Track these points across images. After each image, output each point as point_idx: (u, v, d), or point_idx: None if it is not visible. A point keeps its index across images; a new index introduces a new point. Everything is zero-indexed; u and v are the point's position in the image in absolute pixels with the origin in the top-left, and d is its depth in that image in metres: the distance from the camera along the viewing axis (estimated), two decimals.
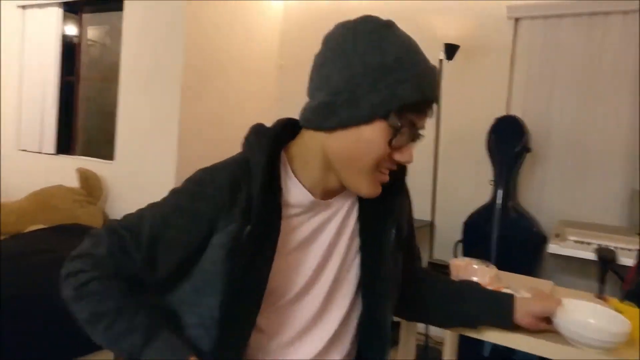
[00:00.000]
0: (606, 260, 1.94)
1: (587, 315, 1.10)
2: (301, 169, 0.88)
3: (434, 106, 0.84)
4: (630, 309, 1.12)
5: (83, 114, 3.94)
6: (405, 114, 0.79)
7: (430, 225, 2.84)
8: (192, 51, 2.99)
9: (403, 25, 0.84)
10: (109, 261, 0.83)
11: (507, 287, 1.27)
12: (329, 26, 0.86)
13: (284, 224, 0.85)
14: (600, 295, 1.30)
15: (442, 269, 1.29)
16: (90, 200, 3.25)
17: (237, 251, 0.80)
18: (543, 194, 2.77)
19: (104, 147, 3.58)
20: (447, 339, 1.76)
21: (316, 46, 0.86)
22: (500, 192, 2.56)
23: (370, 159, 0.81)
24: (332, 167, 0.86)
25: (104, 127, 3.64)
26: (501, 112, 2.77)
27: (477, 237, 2.60)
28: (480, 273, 1.33)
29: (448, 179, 2.95)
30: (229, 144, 3.29)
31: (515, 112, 2.79)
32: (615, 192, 2.59)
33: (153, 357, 0.77)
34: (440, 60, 2.72)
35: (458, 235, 2.70)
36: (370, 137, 0.79)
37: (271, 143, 0.84)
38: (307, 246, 0.89)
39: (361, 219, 0.95)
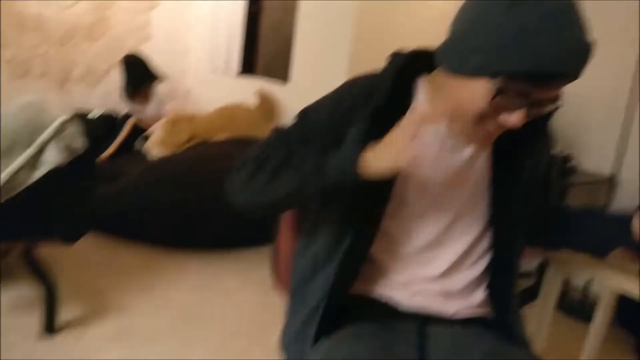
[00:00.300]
0: None
1: None
2: (433, 98, 0.90)
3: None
4: None
5: (264, 40, 4.25)
6: (515, 80, 0.74)
7: (610, 180, 2.52)
8: None
9: None
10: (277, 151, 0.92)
11: None
12: None
13: None
14: None
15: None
16: (266, 117, 3.56)
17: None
18: None
19: (281, 70, 3.84)
20: (605, 296, 1.62)
21: None
22: None
23: (471, 112, 0.81)
24: None
25: (282, 52, 3.89)
26: None
27: None
28: None
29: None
30: None
31: None
32: None
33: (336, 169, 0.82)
34: None
35: None
36: (472, 91, 0.79)
37: (399, 63, 0.91)
38: (437, 164, 0.90)
39: (495, 153, 0.94)
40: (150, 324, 1.89)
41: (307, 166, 0.85)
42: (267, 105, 3.60)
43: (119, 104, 4.23)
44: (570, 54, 0.74)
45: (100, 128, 2.94)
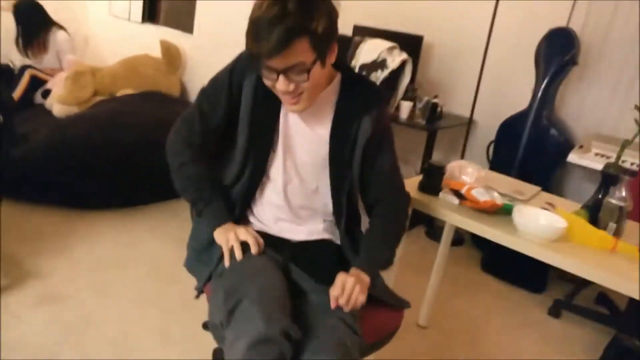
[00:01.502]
0: (608, 175, 2.16)
1: (538, 216, 1.42)
2: None
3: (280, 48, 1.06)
4: (569, 214, 1.42)
5: None
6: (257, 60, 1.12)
7: (469, 122, 3.05)
8: None
9: None
10: (189, 136, 1.32)
11: (488, 187, 1.58)
12: None
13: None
14: (550, 204, 1.59)
15: (439, 169, 1.60)
16: (170, 69, 3.69)
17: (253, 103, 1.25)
18: (584, 108, 2.87)
19: (185, 19, 3.90)
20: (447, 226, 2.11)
21: None
22: (536, 101, 2.71)
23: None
24: None
25: (185, 2, 3.93)
26: (561, 25, 2.78)
27: (508, 140, 2.82)
28: (469, 173, 1.63)
29: (493, 81, 3.09)
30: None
31: (575, 26, 2.79)
32: None
33: (206, 217, 1.28)
34: None
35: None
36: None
37: None
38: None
39: (335, 115, 1.28)
40: (68, 285, 2.06)
41: (201, 194, 1.29)
42: (171, 56, 3.71)
43: (10, 53, 4.09)
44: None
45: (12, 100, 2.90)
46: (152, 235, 2.60)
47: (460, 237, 3.12)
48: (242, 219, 1.33)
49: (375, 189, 1.34)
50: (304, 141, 1.29)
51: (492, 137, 2.96)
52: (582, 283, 2.66)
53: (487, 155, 3.03)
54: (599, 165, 2.39)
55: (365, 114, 1.26)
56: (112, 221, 2.68)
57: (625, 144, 1.52)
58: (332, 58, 1.19)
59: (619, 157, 1.50)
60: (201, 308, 1.29)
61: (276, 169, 1.29)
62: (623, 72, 2.76)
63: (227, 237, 1.22)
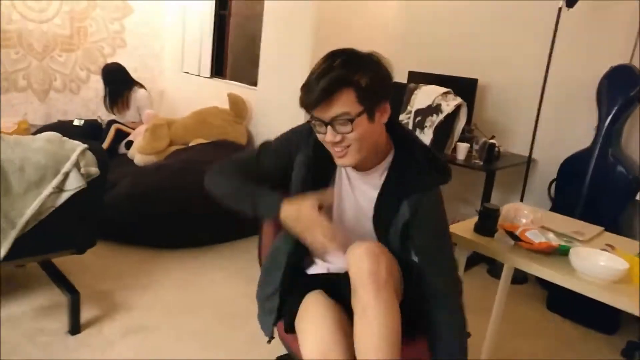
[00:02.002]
0: None
1: (597, 258, 1.43)
2: None
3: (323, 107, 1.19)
4: (630, 256, 1.42)
5: (233, 44, 4.60)
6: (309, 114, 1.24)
7: (528, 161, 3.04)
8: None
9: None
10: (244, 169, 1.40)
11: (545, 228, 1.61)
12: None
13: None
14: (610, 245, 1.59)
15: (493, 212, 1.65)
16: (237, 120, 3.96)
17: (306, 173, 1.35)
18: None
19: (249, 73, 4.22)
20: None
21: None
22: (600, 138, 2.68)
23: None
24: None
25: (250, 56, 4.26)
26: (623, 62, 2.77)
27: (571, 178, 2.78)
28: (525, 215, 1.67)
29: (552, 120, 3.09)
30: None
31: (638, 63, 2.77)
32: None
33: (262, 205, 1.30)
34: (559, 9, 2.77)
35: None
36: None
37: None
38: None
39: (379, 194, 1.34)
40: (151, 319, 2.26)
41: (247, 188, 1.33)
42: (238, 108, 3.99)
43: (98, 110, 4.56)
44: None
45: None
46: (221, 275, 2.77)
47: (524, 276, 3.07)
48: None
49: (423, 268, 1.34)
50: (352, 215, 1.38)
51: (553, 176, 2.93)
52: None
53: (549, 194, 3.00)
54: None
55: (404, 199, 1.30)
56: (185, 260, 2.89)
57: None
58: (383, 117, 1.26)
59: None
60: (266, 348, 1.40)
61: None
62: None
63: (314, 236, 1.19)
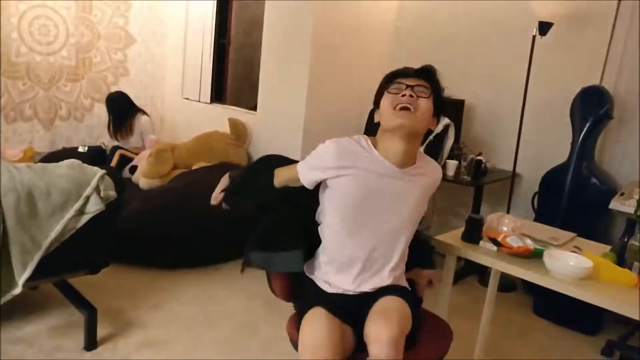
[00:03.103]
0: (630, 220, 2.30)
1: (567, 258, 1.63)
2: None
3: None
4: (595, 256, 1.62)
5: (232, 71, 4.83)
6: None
7: (512, 176, 3.26)
8: (320, 19, 3.56)
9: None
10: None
11: (523, 235, 1.81)
12: None
13: None
14: (578, 247, 1.79)
15: (478, 221, 1.85)
16: (238, 143, 4.16)
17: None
18: (626, 157, 3.03)
19: (248, 98, 4.42)
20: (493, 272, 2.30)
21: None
22: (575, 153, 2.90)
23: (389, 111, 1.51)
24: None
25: (249, 81, 4.48)
26: (594, 83, 3.01)
27: (551, 191, 3.00)
28: (507, 224, 1.87)
29: (533, 136, 3.31)
30: (348, 100, 3.91)
31: (608, 83, 3.01)
32: None
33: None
34: (533, 37, 3.02)
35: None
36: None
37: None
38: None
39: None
40: (163, 334, 2.41)
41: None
42: (238, 131, 4.19)
43: (101, 136, 4.75)
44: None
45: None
46: (229, 292, 2.92)
47: (512, 284, 3.25)
48: None
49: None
50: (387, 202, 1.61)
51: (536, 189, 3.15)
52: (637, 325, 2.71)
53: (533, 206, 3.21)
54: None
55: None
56: (194, 279, 3.05)
57: None
58: (432, 124, 1.54)
59: (639, 203, 1.70)
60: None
61: None
62: None
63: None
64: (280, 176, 1.65)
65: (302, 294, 1.64)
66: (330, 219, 1.57)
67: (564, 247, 1.85)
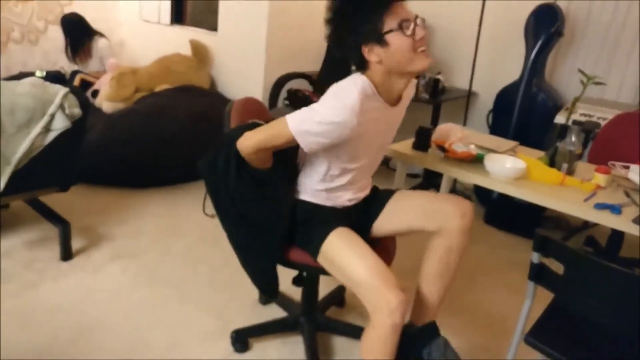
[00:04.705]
0: (587, 130, 2.51)
1: (504, 161, 1.80)
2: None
3: None
4: (528, 158, 1.80)
5: None
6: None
7: (468, 94, 3.40)
8: None
9: None
10: None
11: (468, 142, 1.96)
12: None
13: None
14: (514, 150, 1.97)
15: (427, 130, 1.98)
16: (200, 66, 4.12)
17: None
18: (573, 75, 3.19)
19: (209, 19, 4.32)
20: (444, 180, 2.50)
21: None
22: (527, 70, 3.04)
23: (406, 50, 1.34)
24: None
25: (209, 2, 4.35)
26: (549, 0, 3.09)
27: (504, 107, 3.16)
28: (454, 133, 2.01)
29: (489, 56, 3.43)
30: (311, 19, 3.87)
31: (561, 2, 3.09)
32: (636, 76, 2.97)
33: None
34: None
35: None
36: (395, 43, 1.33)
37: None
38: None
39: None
40: (133, 247, 2.55)
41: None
42: (200, 54, 4.14)
43: (59, 60, 4.61)
44: None
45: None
46: (194, 208, 3.05)
47: (467, 197, 3.47)
48: None
49: None
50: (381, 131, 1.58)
51: (492, 106, 3.30)
52: (574, 229, 3.00)
53: (487, 122, 3.38)
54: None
55: None
56: (160, 197, 3.17)
57: (574, 101, 1.87)
58: None
59: (570, 111, 1.86)
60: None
61: None
62: (605, 41, 3.06)
63: None
64: (257, 138, 1.42)
65: (306, 221, 1.53)
66: (328, 162, 1.50)
67: (505, 153, 2.02)
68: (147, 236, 2.68)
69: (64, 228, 2.37)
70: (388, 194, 1.67)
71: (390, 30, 1.29)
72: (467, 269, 2.62)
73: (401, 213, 1.61)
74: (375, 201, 1.66)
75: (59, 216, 2.46)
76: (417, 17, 1.32)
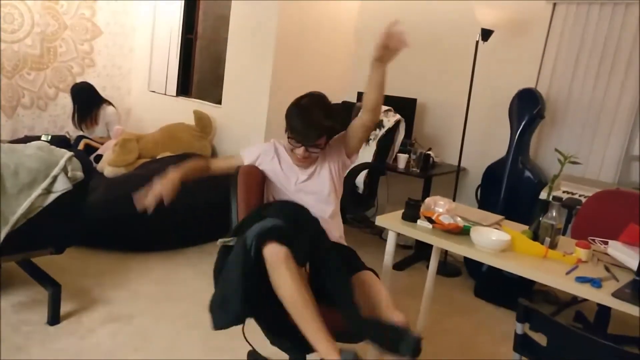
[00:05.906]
0: (569, 206, 2.60)
1: (489, 233, 1.87)
2: None
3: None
4: (513, 231, 1.87)
5: (199, 66, 4.95)
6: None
7: (457, 170, 3.53)
8: (284, 18, 3.75)
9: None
10: None
11: (455, 215, 2.04)
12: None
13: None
14: (499, 224, 2.04)
15: (416, 202, 2.07)
16: (202, 135, 4.29)
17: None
18: (555, 154, 3.33)
19: (214, 92, 4.56)
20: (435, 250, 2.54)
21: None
22: (512, 149, 3.19)
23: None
24: None
25: (215, 75, 4.61)
26: (531, 86, 3.31)
27: (491, 183, 3.28)
28: (441, 205, 2.09)
29: (477, 134, 3.60)
30: None
31: (542, 86, 3.32)
32: (615, 156, 3.12)
33: None
34: (477, 42, 3.30)
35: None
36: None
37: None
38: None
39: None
40: (127, 311, 2.54)
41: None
42: (203, 124, 4.32)
43: (65, 126, 4.79)
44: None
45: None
46: (192, 274, 3.07)
47: (457, 270, 3.52)
48: None
49: None
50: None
51: (480, 181, 3.42)
52: (563, 304, 3.01)
53: (476, 197, 3.48)
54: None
55: None
56: (158, 261, 3.18)
57: (554, 178, 1.97)
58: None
59: (550, 188, 1.95)
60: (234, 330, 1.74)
61: None
62: (585, 122, 3.24)
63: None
64: (217, 163, 2.19)
65: None
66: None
67: (491, 226, 2.09)
68: (143, 300, 2.67)
69: (54, 291, 2.36)
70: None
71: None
72: (457, 343, 2.61)
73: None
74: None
75: (50, 278, 2.46)
76: (312, 147, 1.91)
